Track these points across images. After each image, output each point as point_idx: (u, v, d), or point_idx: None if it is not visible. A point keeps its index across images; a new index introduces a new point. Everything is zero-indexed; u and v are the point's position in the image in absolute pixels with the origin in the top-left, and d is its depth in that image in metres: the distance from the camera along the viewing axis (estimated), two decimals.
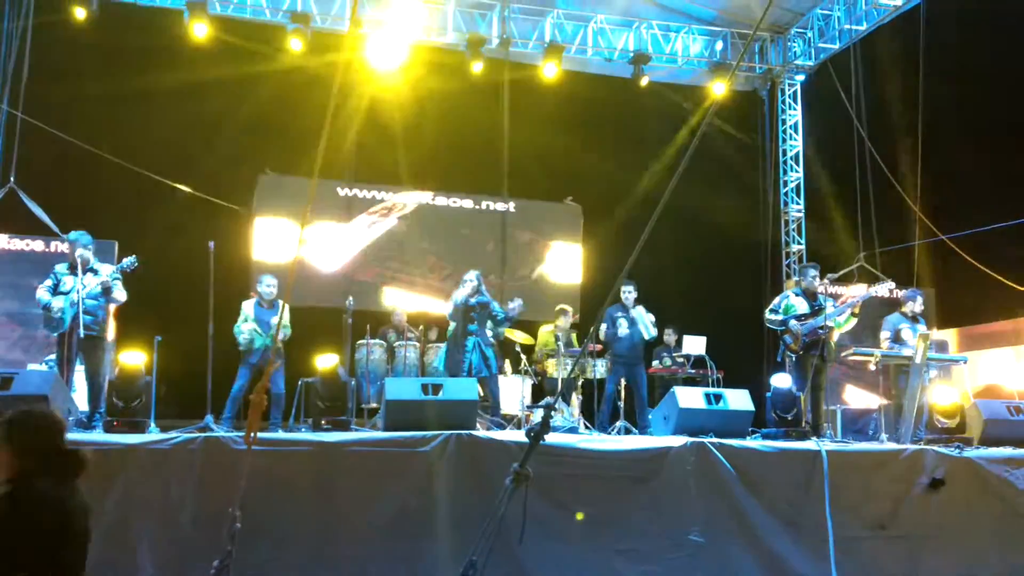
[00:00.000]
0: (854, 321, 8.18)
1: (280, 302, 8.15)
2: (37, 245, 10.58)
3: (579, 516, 5.85)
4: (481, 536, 2.84)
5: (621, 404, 8.75)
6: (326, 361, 7.38)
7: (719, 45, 13.43)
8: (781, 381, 7.98)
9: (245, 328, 7.91)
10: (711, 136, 11.98)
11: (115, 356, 9.72)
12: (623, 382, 8.89)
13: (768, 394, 7.90)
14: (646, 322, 8.92)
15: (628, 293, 8.98)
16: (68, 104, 10.88)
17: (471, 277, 8.73)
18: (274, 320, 7.92)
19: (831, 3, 12.78)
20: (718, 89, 13.17)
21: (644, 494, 6.16)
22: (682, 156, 2.93)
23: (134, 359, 6.86)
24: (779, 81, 14.05)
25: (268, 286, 8.13)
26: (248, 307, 8.07)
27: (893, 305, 9.95)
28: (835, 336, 8.38)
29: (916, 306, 8.83)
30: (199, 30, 11.11)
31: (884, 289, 8.63)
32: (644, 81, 12.84)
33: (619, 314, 8.88)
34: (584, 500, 6.03)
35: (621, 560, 5.98)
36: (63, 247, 9.92)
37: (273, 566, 5.44)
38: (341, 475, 5.75)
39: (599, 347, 9.34)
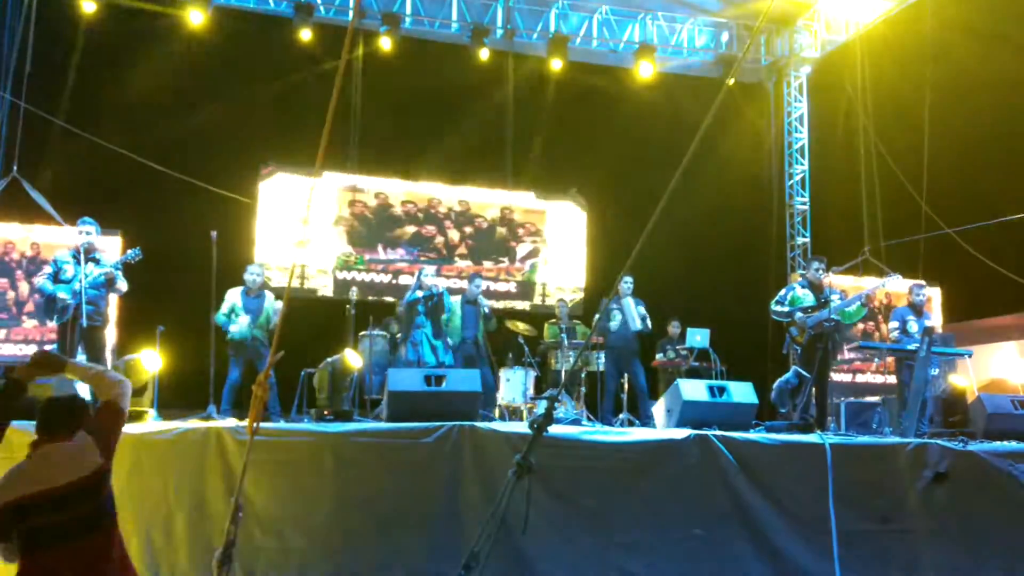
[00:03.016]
0: (864, 312, 8.16)
1: (266, 291, 8.21)
2: (39, 235, 10.59)
3: None
4: (484, 527, 2.83)
5: (624, 396, 8.75)
6: (355, 359, 7.44)
7: (725, 36, 13.38)
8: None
9: (237, 326, 7.90)
10: (717, 128, 11.93)
11: (116, 347, 9.81)
12: (626, 375, 8.90)
13: (782, 383, 7.93)
14: (633, 313, 8.92)
15: (625, 284, 8.99)
16: (71, 94, 10.88)
17: (417, 275, 9.00)
18: (271, 307, 7.99)
19: None
20: (724, 81, 13.13)
21: (647, 486, 6.14)
22: (687, 148, 2.90)
23: (152, 364, 6.82)
24: (785, 73, 14.00)
25: (253, 274, 8.16)
26: (235, 295, 8.08)
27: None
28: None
29: (918, 298, 8.88)
30: (199, 19, 11.10)
31: (896, 283, 8.58)
32: (649, 72, 12.80)
33: (613, 307, 8.90)
34: (586, 492, 6.02)
35: (623, 552, 5.97)
36: (65, 236, 9.93)
37: (275, 556, 5.44)
38: (343, 465, 5.75)
39: (601, 339, 9.34)
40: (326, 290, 12.34)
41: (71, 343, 6.96)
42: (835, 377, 11.67)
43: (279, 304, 8.42)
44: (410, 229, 12.90)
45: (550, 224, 13.53)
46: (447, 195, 13.12)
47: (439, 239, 12.95)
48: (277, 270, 11.71)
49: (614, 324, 8.88)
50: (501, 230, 13.28)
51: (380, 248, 12.71)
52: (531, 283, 13.32)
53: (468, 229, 13.17)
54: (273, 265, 11.46)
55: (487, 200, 13.31)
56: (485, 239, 13.21)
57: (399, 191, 12.93)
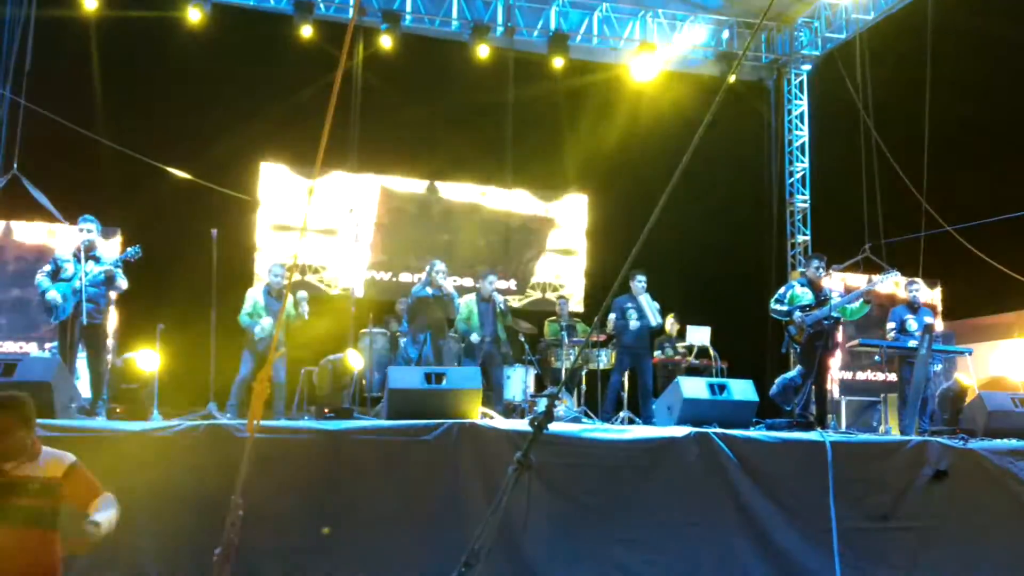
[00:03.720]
0: (867, 309, 8.15)
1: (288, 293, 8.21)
2: (40, 232, 10.58)
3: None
4: (484, 524, 2.83)
5: (624, 394, 8.75)
6: (355, 360, 7.44)
7: (725, 34, 13.37)
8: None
9: (263, 324, 7.90)
10: (717, 126, 11.94)
11: (116, 344, 9.81)
12: (627, 373, 8.91)
13: (785, 380, 7.95)
14: (652, 309, 8.92)
15: (639, 282, 8.97)
16: (71, 91, 10.87)
17: (428, 268, 8.72)
18: (292, 305, 8.00)
19: None
20: (724, 79, 13.10)
21: (647, 484, 6.15)
22: (687, 145, 2.90)
23: (148, 363, 6.80)
24: (785, 71, 13.99)
25: (277, 275, 8.14)
26: (257, 294, 8.07)
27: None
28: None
29: (916, 295, 8.92)
30: (197, 16, 11.10)
31: (894, 280, 8.57)
32: (649, 70, 12.78)
33: (629, 305, 8.87)
34: (587, 489, 6.03)
35: (623, 549, 5.98)
36: (66, 233, 9.93)
37: (275, 554, 5.44)
38: (344, 463, 5.75)
39: (603, 337, 9.33)
40: (355, 291, 12.36)
41: (71, 341, 6.96)
42: (835, 375, 11.66)
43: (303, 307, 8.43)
44: (444, 236, 12.89)
45: (551, 221, 13.53)
46: (470, 197, 13.17)
47: (465, 245, 12.92)
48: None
49: (633, 324, 8.84)
50: (514, 234, 13.29)
51: (412, 257, 12.70)
52: (531, 280, 13.32)
53: (493, 236, 13.19)
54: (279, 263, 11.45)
55: (498, 202, 13.31)
56: (500, 242, 13.22)
57: (397, 187, 12.94)
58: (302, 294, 8.37)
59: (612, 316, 8.90)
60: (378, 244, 12.76)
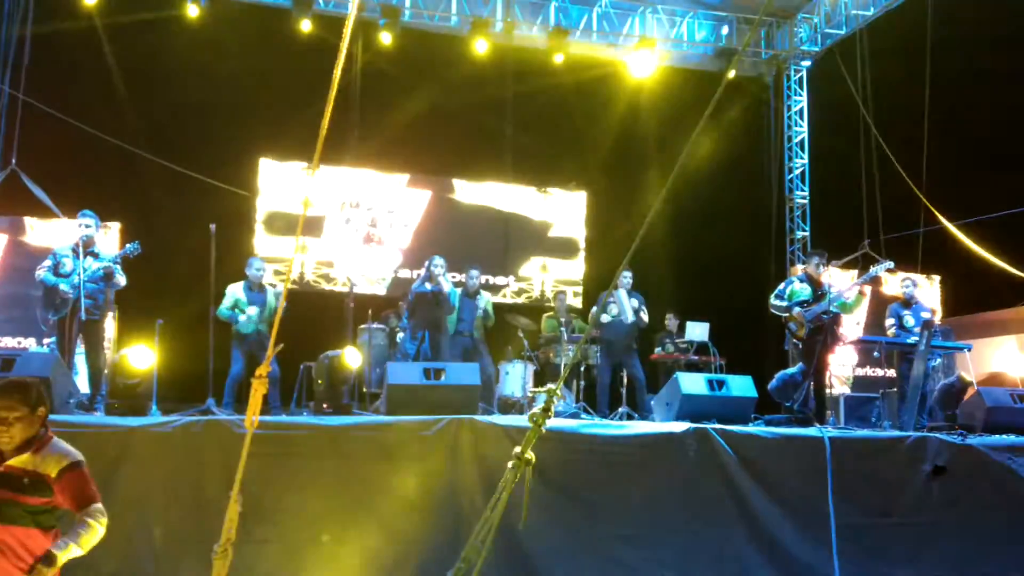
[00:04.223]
0: (864, 301, 8.14)
1: (268, 286, 8.23)
2: (38, 228, 10.56)
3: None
4: (483, 521, 2.83)
5: (623, 390, 8.75)
6: (354, 359, 7.44)
7: (725, 30, 13.35)
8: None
9: (245, 316, 7.93)
10: (717, 122, 11.92)
11: (115, 340, 9.80)
12: (623, 368, 8.91)
13: (786, 375, 7.97)
14: (626, 306, 8.92)
15: (623, 277, 8.99)
16: (70, 86, 10.86)
17: (427, 263, 8.69)
18: (273, 301, 8.02)
19: None
20: (723, 74, 13.09)
21: (645, 479, 6.15)
22: (686, 141, 2.89)
23: (142, 359, 6.76)
24: (785, 67, 13.98)
25: (258, 269, 8.18)
26: (237, 290, 8.08)
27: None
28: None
29: (908, 291, 8.94)
30: (195, 11, 11.08)
31: (886, 269, 8.54)
32: (649, 66, 12.76)
33: (610, 300, 8.90)
34: (585, 485, 6.03)
35: (621, 545, 5.98)
36: (65, 229, 9.92)
37: (273, 550, 5.44)
38: (342, 459, 5.75)
39: (598, 332, 9.34)
40: (379, 287, 12.43)
41: (70, 337, 6.96)
42: (842, 371, 11.68)
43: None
44: (441, 232, 12.86)
45: (549, 217, 13.51)
46: (468, 192, 13.12)
47: (463, 240, 12.90)
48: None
49: (607, 316, 8.88)
50: (512, 230, 13.26)
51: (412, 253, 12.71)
52: (529, 276, 13.30)
53: (491, 231, 13.17)
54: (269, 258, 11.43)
55: (496, 197, 13.28)
56: (498, 238, 13.21)
57: (394, 184, 12.93)
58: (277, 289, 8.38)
59: (594, 309, 8.97)
60: (380, 240, 12.76)
